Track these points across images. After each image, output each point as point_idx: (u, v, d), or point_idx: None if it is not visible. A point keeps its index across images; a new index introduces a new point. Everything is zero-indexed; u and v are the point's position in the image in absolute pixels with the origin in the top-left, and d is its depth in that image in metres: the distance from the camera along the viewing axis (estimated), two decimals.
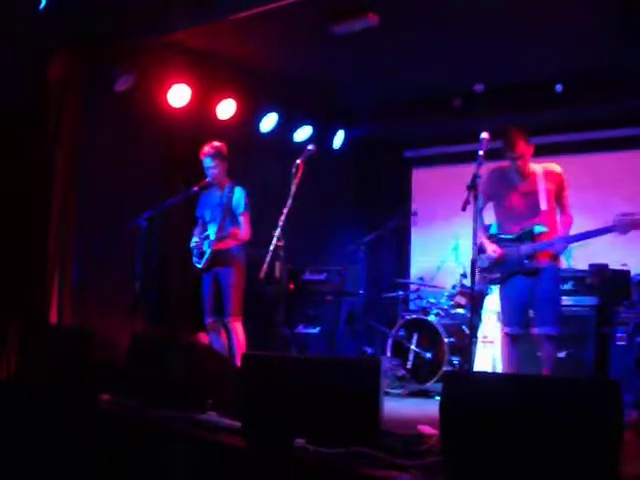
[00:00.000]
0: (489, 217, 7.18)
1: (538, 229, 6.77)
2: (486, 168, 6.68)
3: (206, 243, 8.16)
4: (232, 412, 5.27)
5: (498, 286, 7.14)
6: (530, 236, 6.77)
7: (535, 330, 6.76)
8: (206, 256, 8.13)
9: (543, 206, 6.78)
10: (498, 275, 6.97)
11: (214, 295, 8.22)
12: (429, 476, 3.93)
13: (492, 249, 6.91)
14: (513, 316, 6.88)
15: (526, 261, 6.75)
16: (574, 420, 3.62)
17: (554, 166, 6.95)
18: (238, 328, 8.10)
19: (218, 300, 8.21)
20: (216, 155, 8.19)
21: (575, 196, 10.41)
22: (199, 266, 8.22)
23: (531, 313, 6.85)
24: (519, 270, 6.79)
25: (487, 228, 7.16)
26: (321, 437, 4.46)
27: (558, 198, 6.88)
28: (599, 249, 9.75)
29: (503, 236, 6.97)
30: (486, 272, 7.06)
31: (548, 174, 6.88)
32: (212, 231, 8.19)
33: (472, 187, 6.10)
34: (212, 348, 7.67)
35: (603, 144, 10.67)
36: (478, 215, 6.75)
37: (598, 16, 7.73)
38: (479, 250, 6.92)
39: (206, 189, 8.37)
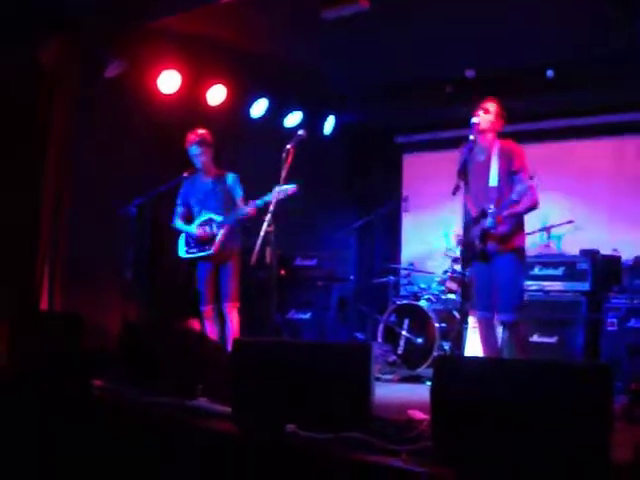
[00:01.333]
0: None
1: (487, 207, 6.50)
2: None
3: (214, 226, 8.13)
4: (223, 398, 5.27)
5: None
6: (483, 215, 6.53)
7: (495, 317, 6.74)
8: (218, 238, 8.07)
9: (492, 182, 6.63)
10: (465, 256, 6.92)
11: (213, 282, 8.22)
12: (420, 461, 3.93)
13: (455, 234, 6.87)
14: (480, 300, 6.83)
15: (477, 244, 6.59)
16: (565, 405, 3.62)
17: (508, 140, 6.81)
18: (234, 314, 8.12)
19: (215, 287, 8.21)
20: (201, 142, 8.18)
21: (567, 183, 10.52)
22: (202, 253, 8.18)
23: None
24: (472, 254, 6.68)
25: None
26: (312, 422, 4.47)
27: (509, 175, 6.64)
28: (590, 234, 9.81)
29: (470, 219, 6.82)
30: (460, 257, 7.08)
31: (502, 147, 6.74)
32: (213, 216, 8.16)
33: (462, 172, 6.09)
34: (203, 334, 7.67)
35: (595, 130, 10.67)
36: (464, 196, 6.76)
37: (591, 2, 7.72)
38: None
39: (191, 176, 8.34)
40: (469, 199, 6.86)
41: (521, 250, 6.77)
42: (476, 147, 6.74)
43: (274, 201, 7.08)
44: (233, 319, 8.11)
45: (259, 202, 7.81)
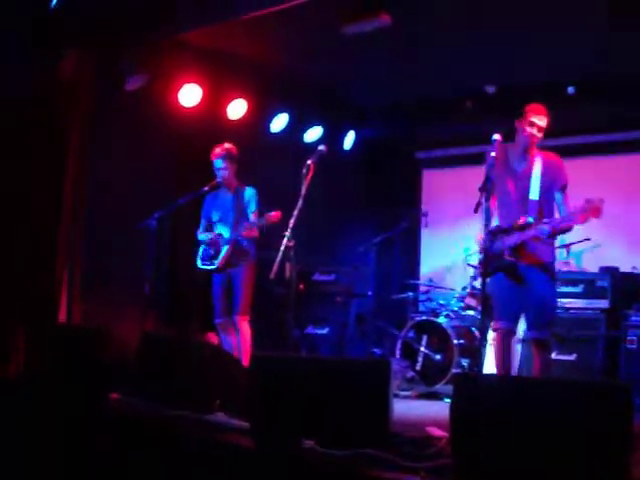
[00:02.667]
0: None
1: (527, 220, 6.32)
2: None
3: (221, 241, 8.16)
4: (241, 413, 5.26)
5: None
6: (518, 228, 6.35)
7: (526, 334, 6.62)
8: (222, 254, 8.12)
9: (533, 195, 6.42)
10: (488, 267, 6.47)
11: (225, 295, 8.23)
12: (438, 478, 3.92)
13: (477, 239, 6.58)
14: (501, 310, 6.55)
15: (507, 255, 6.37)
16: (585, 424, 3.60)
17: (551, 152, 6.62)
18: (245, 327, 8.12)
19: (228, 300, 8.22)
20: (227, 157, 8.21)
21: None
22: (212, 267, 8.21)
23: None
24: (499, 265, 6.43)
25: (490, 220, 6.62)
26: (330, 438, 4.45)
27: (550, 189, 6.46)
28: (610, 252, 9.77)
29: (498, 228, 6.56)
30: (480, 265, 6.92)
31: (545, 161, 6.52)
32: (224, 231, 8.20)
33: (484, 189, 6.03)
34: (221, 348, 7.66)
35: (614, 146, 10.62)
36: (484, 203, 6.26)
37: (611, 17, 7.69)
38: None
39: (214, 190, 8.38)
40: (497, 209, 6.72)
41: (553, 265, 6.58)
42: (513, 155, 6.60)
43: (293, 218, 7.06)
44: (244, 332, 8.11)
45: (252, 224, 8.04)
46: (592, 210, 5.93)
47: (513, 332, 6.62)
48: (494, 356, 6.75)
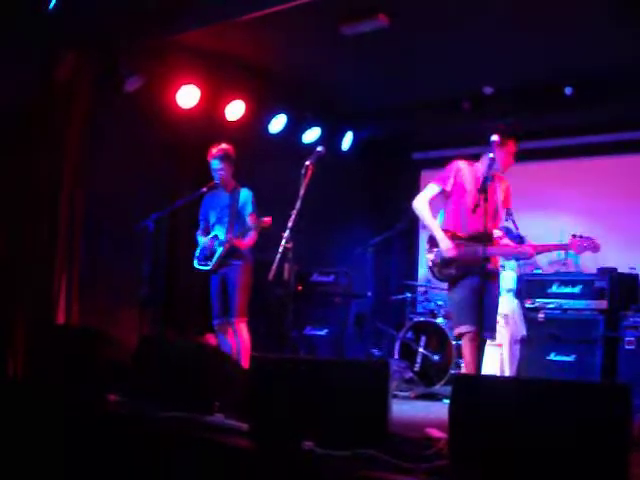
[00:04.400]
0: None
1: (496, 233, 6.84)
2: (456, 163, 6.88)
3: (216, 243, 8.16)
4: (240, 414, 5.26)
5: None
6: (490, 239, 6.60)
7: (484, 335, 6.62)
8: (217, 256, 8.13)
9: (501, 212, 6.88)
10: (452, 272, 6.76)
11: (222, 296, 8.23)
12: (437, 479, 3.91)
13: (446, 247, 6.73)
14: (471, 315, 6.58)
15: (486, 263, 6.46)
16: (584, 425, 3.60)
17: (506, 180, 7.05)
18: (243, 329, 8.12)
19: (225, 301, 8.22)
20: (224, 157, 8.20)
21: (584, 200, 10.49)
22: (207, 267, 8.21)
23: None
24: (478, 271, 6.46)
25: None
26: (329, 439, 4.45)
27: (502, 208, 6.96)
28: (608, 253, 9.76)
29: (459, 233, 6.78)
30: (439, 267, 6.86)
31: (502, 181, 6.96)
32: (220, 232, 8.20)
33: (482, 190, 6.07)
34: (220, 350, 7.66)
35: (613, 147, 10.62)
36: (426, 204, 6.95)
37: (608, 17, 7.69)
38: (431, 243, 6.96)
39: (212, 190, 8.38)
40: (453, 216, 6.96)
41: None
42: (479, 173, 6.79)
43: (291, 219, 7.05)
44: (242, 334, 8.11)
45: (239, 234, 8.12)
46: (592, 245, 6.59)
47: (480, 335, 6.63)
48: (470, 360, 6.73)
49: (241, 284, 8.19)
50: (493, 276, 6.72)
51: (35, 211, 7.92)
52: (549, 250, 6.93)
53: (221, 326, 8.25)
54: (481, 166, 6.80)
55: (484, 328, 6.49)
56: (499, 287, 6.91)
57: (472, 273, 6.59)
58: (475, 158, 6.99)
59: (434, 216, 6.97)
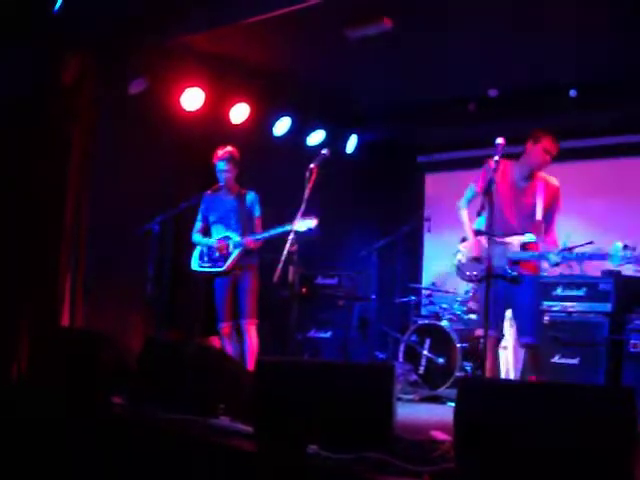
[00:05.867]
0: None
1: (529, 237, 6.69)
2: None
3: (231, 244, 8.15)
4: (245, 417, 5.26)
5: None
6: (522, 244, 6.66)
7: (518, 339, 6.77)
8: (232, 257, 8.11)
9: (538, 216, 6.72)
10: (476, 273, 6.82)
11: (230, 299, 8.22)
12: None
13: (469, 247, 6.88)
14: (495, 319, 6.61)
15: (509, 267, 6.59)
16: (589, 428, 3.60)
17: (553, 179, 6.91)
18: (252, 331, 8.11)
19: (233, 304, 8.21)
20: (230, 159, 8.21)
21: (588, 202, 10.47)
22: (218, 269, 8.20)
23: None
24: (500, 275, 6.54)
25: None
26: (334, 443, 4.44)
27: (548, 214, 6.80)
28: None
29: (491, 233, 6.56)
30: (464, 268, 6.96)
31: (548, 186, 6.84)
32: (231, 234, 8.19)
33: (487, 193, 6.06)
34: (224, 352, 7.66)
35: (617, 150, 10.61)
36: (465, 204, 7.03)
37: (613, 19, 7.69)
38: (462, 241, 7.03)
39: (214, 192, 8.38)
40: (488, 216, 6.81)
41: (539, 274, 6.92)
42: (518, 172, 6.83)
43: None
44: (252, 336, 8.11)
45: (259, 236, 8.11)
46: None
47: (500, 339, 6.79)
48: (491, 363, 6.80)
49: (253, 286, 8.24)
50: (521, 281, 6.60)
51: (40, 213, 7.92)
52: (581, 259, 6.85)
53: (227, 329, 8.24)
54: (517, 165, 6.86)
55: (519, 332, 6.74)
56: (534, 290, 6.78)
57: (497, 276, 6.52)
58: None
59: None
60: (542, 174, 6.85)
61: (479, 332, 6.90)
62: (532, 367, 6.81)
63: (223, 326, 8.25)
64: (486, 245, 6.48)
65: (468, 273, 6.93)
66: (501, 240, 6.67)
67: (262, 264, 8.23)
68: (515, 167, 6.86)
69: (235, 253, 8.14)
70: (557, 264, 6.54)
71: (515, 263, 6.60)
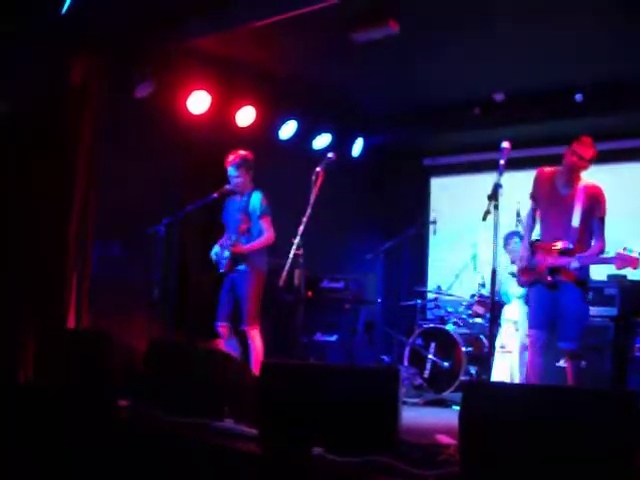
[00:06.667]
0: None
1: (567, 245, 6.65)
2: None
3: (225, 245, 8.16)
4: (249, 419, 5.27)
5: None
6: (558, 250, 6.67)
7: (558, 344, 6.75)
8: (225, 259, 8.12)
9: (575, 222, 6.65)
10: (525, 279, 6.98)
11: (228, 301, 8.18)
12: None
13: (520, 256, 7.01)
14: (536, 319, 6.83)
15: (548, 275, 6.68)
16: (594, 431, 3.60)
17: (594, 182, 6.81)
18: (256, 336, 8.05)
19: (229, 306, 8.18)
20: (241, 164, 8.16)
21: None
22: (221, 270, 8.24)
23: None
24: (541, 281, 6.75)
25: (532, 230, 7.13)
26: (339, 446, 4.45)
27: (589, 219, 6.70)
28: None
29: (539, 244, 6.89)
30: (518, 275, 7.11)
31: (587, 190, 6.74)
32: (232, 235, 8.21)
33: (493, 197, 6.07)
34: (229, 355, 7.67)
35: (623, 154, 10.61)
36: (529, 216, 7.10)
37: (619, 24, 7.69)
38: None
39: (228, 196, 8.37)
40: (540, 226, 7.02)
41: (586, 282, 6.82)
42: (560, 179, 6.82)
43: (302, 225, 7.04)
44: (255, 341, 8.04)
45: (245, 246, 8.09)
46: (630, 261, 6.32)
47: (543, 340, 6.81)
48: (521, 364, 6.90)
49: (249, 291, 8.09)
50: (561, 288, 6.68)
51: (47, 214, 7.93)
52: (593, 263, 6.83)
53: (222, 329, 8.19)
54: (559, 172, 6.86)
55: (558, 337, 6.72)
56: (575, 297, 6.69)
57: (540, 282, 6.79)
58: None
59: None
60: (584, 179, 6.79)
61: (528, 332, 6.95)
62: (568, 372, 6.81)
63: (218, 325, 8.19)
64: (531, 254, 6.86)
65: (520, 280, 7.16)
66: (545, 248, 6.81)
67: (268, 268, 8.21)
68: (558, 175, 6.85)
69: (225, 255, 8.14)
70: (576, 269, 6.57)
71: (555, 271, 6.66)
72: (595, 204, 6.69)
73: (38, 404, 6.37)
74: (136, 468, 5.34)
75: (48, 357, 7.01)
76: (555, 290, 6.68)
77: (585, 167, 6.73)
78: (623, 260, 6.34)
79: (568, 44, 8.15)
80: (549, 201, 6.85)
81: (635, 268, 6.35)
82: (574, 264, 6.51)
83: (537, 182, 6.95)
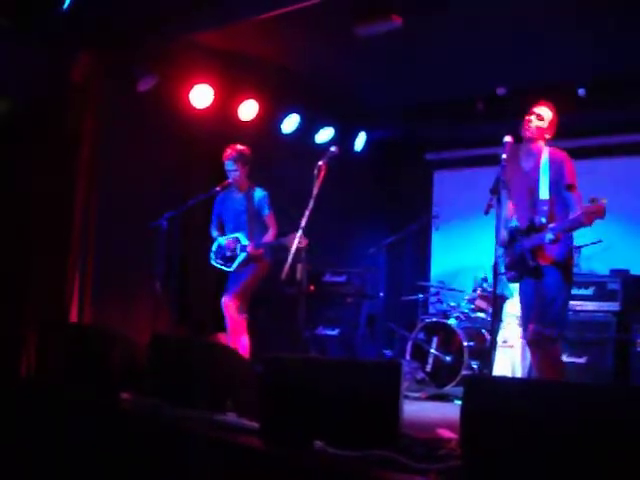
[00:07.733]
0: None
1: (539, 220, 6.21)
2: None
3: (238, 247, 8.18)
4: (251, 413, 5.27)
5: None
6: (533, 229, 6.23)
7: (530, 326, 6.34)
8: (238, 260, 8.18)
9: (543, 195, 6.25)
10: (514, 274, 6.53)
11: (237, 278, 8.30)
12: None
13: (502, 253, 6.52)
14: (526, 315, 6.48)
15: (529, 259, 6.23)
16: (596, 427, 3.60)
17: (558, 149, 6.39)
18: (231, 307, 8.22)
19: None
20: (238, 159, 8.21)
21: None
22: (227, 269, 8.25)
23: None
24: (523, 269, 6.33)
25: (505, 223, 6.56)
26: (340, 440, 4.45)
27: (558, 188, 6.23)
28: (620, 254, 9.74)
29: (517, 230, 6.47)
30: (506, 271, 6.63)
31: (551, 158, 6.31)
32: (241, 236, 8.22)
33: (495, 191, 5.99)
34: (232, 348, 7.68)
35: (627, 148, 10.59)
36: (496, 205, 6.06)
37: (621, 18, 7.68)
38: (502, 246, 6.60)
39: (225, 190, 8.39)
40: (513, 209, 6.63)
41: (567, 264, 6.32)
42: (522, 154, 6.47)
43: (304, 219, 7.03)
44: (229, 312, 8.22)
45: (260, 245, 8.18)
46: (597, 211, 5.67)
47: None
48: (538, 366, 6.55)
49: (251, 277, 8.30)
50: (543, 273, 6.23)
51: (49, 210, 7.93)
52: (566, 229, 6.02)
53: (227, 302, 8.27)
54: (521, 146, 6.46)
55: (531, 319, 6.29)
56: (554, 280, 6.18)
57: (526, 275, 6.37)
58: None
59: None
60: (545, 147, 6.41)
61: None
62: (537, 364, 6.43)
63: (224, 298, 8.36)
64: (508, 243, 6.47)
65: (507, 276, 6.65)
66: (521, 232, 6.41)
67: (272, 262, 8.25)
68: (520, 150, 6.49)
69: (241, 257, 8.19)
70: (552, 241, 6.01)
71: (533, 254, 6.23)
72: (559, 171, 6.26)
73: (39, 398, 6.38)
74: (138, 461, 5.35)
75: (51, 352, 7.03)
76: (540, 278, 6.21)
77: (545, 131, 6.40)
78: (590, 214, 5.68)
79: (571, 38, 8.14)
80: (515, 180, 6.44)
81: (603, 216, 5.67)
82: (548, 236, 5.97)
83: (502, 169, 6.10)
